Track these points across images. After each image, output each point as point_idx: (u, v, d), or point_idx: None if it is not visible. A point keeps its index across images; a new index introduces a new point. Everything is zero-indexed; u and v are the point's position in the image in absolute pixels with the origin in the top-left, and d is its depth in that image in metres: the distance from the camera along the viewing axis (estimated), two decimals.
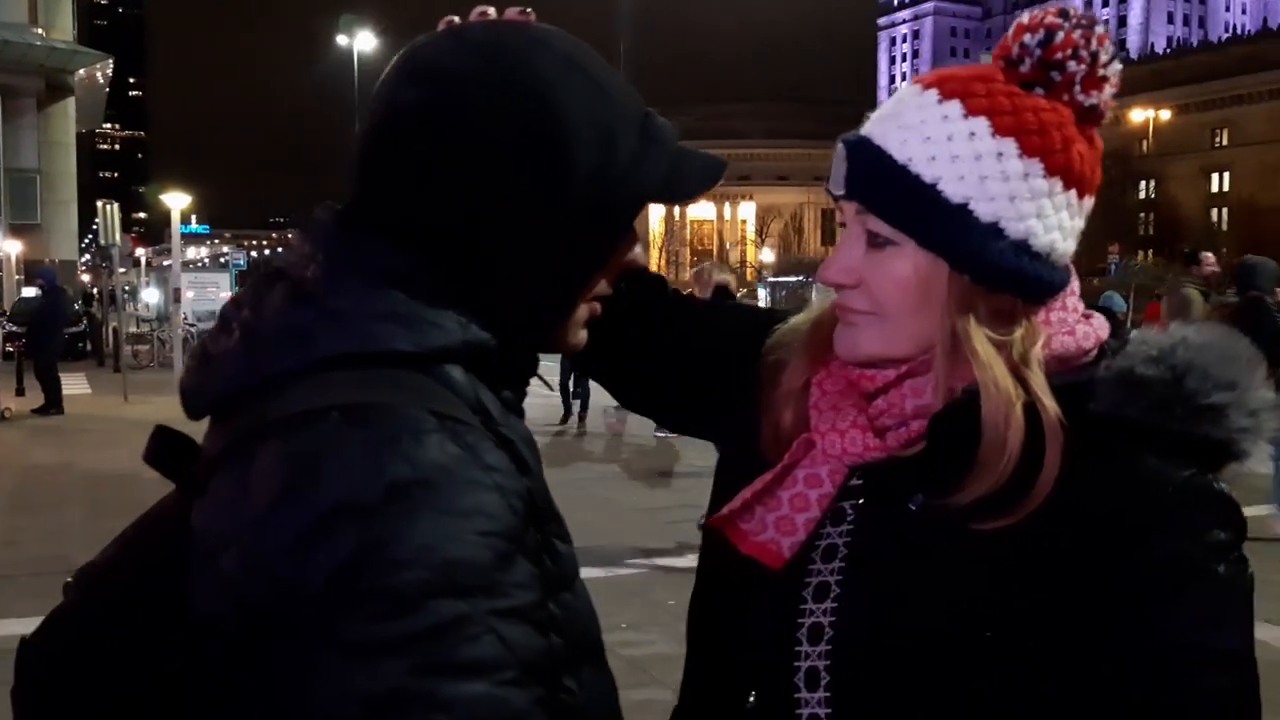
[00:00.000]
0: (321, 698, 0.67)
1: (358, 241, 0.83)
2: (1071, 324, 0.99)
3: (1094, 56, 0.96)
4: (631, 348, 1.21)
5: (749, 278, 75.52)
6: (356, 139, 0.87)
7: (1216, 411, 0.92)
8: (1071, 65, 0.95)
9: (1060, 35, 0.95)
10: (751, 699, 1.01)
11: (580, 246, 0.87)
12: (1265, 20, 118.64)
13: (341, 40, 36.80)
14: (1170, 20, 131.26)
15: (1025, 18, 0.98)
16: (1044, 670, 0.91)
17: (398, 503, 0.69)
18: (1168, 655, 0.89)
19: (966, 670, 0.91)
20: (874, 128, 1.00)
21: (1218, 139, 77.54)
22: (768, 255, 77.09)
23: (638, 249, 0.95)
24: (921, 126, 0.96)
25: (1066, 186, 0.96)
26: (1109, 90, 0.97)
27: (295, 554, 0.69)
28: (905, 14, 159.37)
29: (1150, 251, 63.42)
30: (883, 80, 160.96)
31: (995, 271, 0.94)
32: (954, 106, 0.95)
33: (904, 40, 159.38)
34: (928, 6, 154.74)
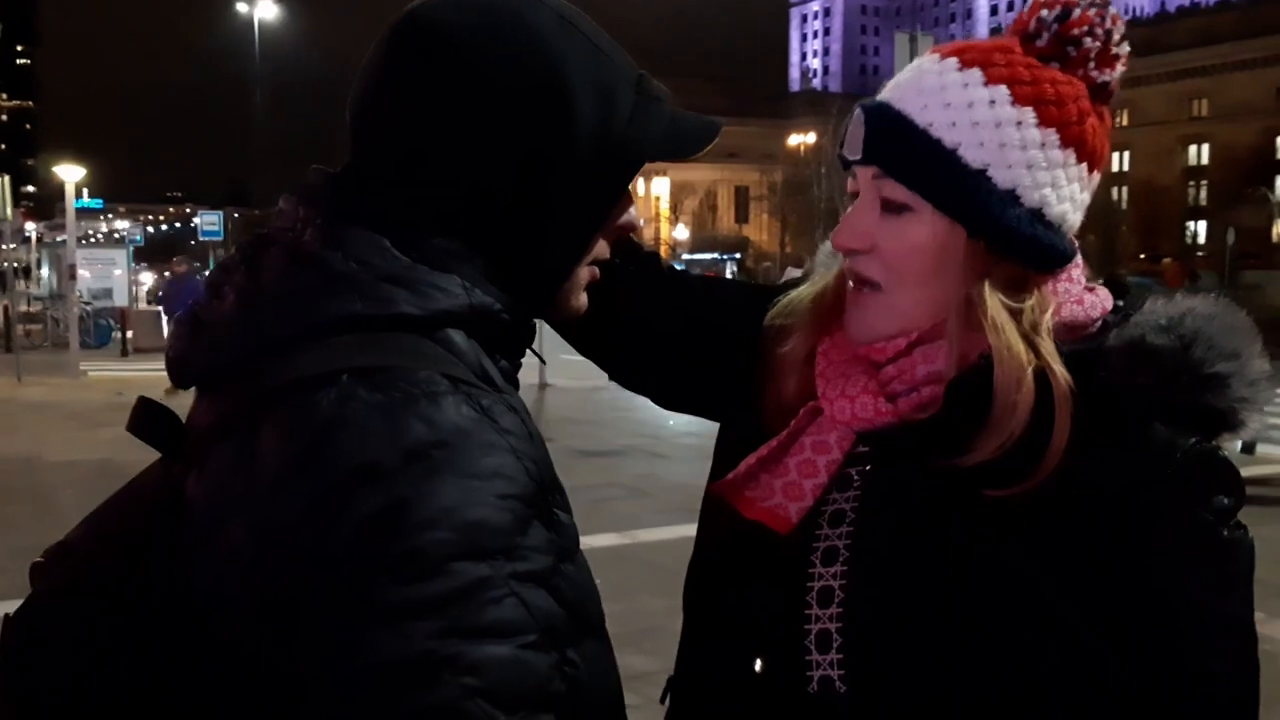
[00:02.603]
0: (349, 663, 0.66)
1: (358, 204, 0.82)
2: (1078, 294, 1.02)
3: (1108, 35, 0.98)
4: (627, 325, 1.16)
5: (664, 255, 75.38)
6: (351, 104, 0.86)
7: (1220, 381, 0.94)
8: (1087, 41, 0.98)
9: (1077, 12, 0.98)
10: (758, 664, 1.03)
11: (584, 203, 0.86)
12: (1163, 4, 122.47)
13: (242, 8, 35.58)
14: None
15: None
16: (1051, 631, 0.92)
17: (418, 465, 0.68)
18: (1181, 618, 0.92)
19: (976, 630, 0.93)
20: (891, 94, 1.02)
21: (1118, 120, 79.50)
22: (682, 232, 77.16)
23: (633, 210, 0.94)
24: (942, 93, 0.97)
25: (1079, 159, 0.98)
26: (1120, 69, 1.00)
27: (315, 519, 0.67)
28: None
29: None
30: (794, 58, 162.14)
31: (1011, 238, 0.96)
32: (975, 74, 0.97)
33: (815, 18, 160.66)
34: None
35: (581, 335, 1.18)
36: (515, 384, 0.87)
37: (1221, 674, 0.92)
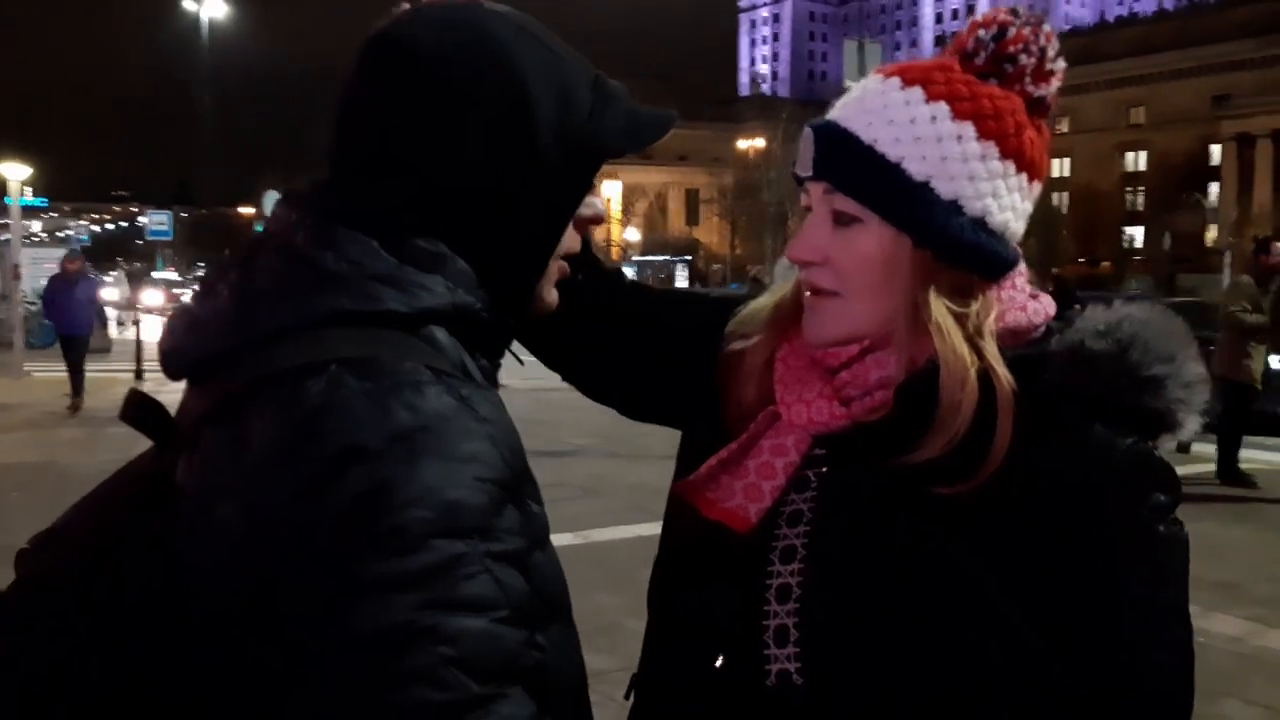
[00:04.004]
0: (335, 632, 0.69)
1: (348, 210, 0.87)
2: (1022, 301, 1.05)
3: (1043, 51, 1.04)
4: (594, 340, 1.23)
5: (615, 257, 75.45)
6: (334, 118, 0.91)
7: (1157, 383, 0.99)
8: (1023, 58, 1.03)
9: (1012, 31, 1.04)
10: (719, 661, 1.04)
11: (552, 200, 0.92)
12: (1103, 13, 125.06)
13: (190, 6, 35.11)
14: (1015, 12, 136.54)
15: (980, 16, 1.07)
16: (994, 630, 0.95)
17: (402, 447, 0.72)
18: (1121, 612, 0.95)
19: (922, 627, 0.96)
20: (839, 113, 1.06)
21: (1058, 126, 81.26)
22: (633, 234, 77.37)
23: (597, 201, 1.00)
24: (885, 111, 1.02)
25: (1019, 170, 1.03)
26: (1055, 84, 1.04)
27: (305, 497, 0.71)
28: None
29: None
30: (744, 63, 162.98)
31: (956, 246, 1.00)
32: (916, 92, 1.02)
33: (764, 24, 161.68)
34: None
35: (550, 350, 1.27)
36: (494, 383, 0.92)
37: (1161, 663, 0.96)
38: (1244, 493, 8.24)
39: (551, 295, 0.98)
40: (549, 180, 0.90)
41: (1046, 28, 1.05)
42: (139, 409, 0.85)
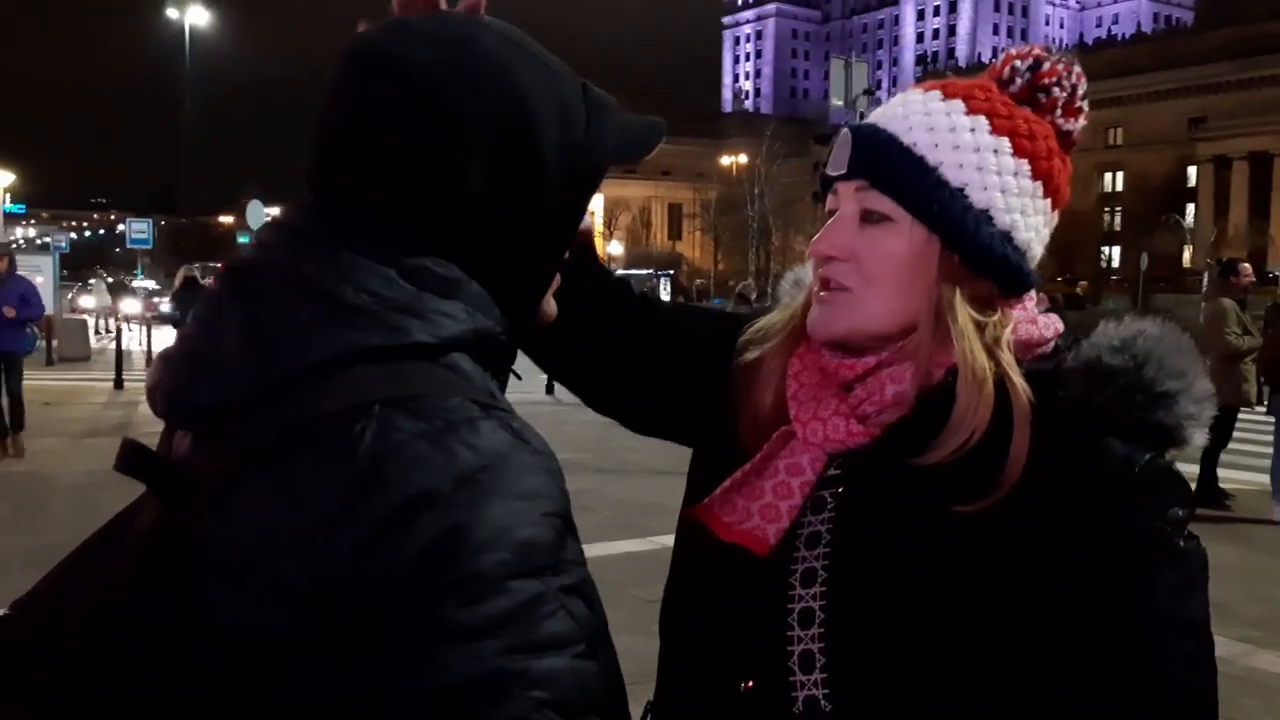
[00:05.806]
0: (422, 686, 0.68)
1: (353, 237, 0.82)
2: (1033, 315, 1.07)
3: (1074, 88, 1.08)
4: (601, 353, 1.23)
5: None
6: (319, 139, 0.86)
7: (1169, 398, 1.00)
8: (1056, 90, 1.08)
9: (1047, 64, 1.08)
10: (744, 685, 1.04)
11: (557, 216, 0.90)
12: (1081, 36, 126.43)
13: (172, 13, 34.95)
14: (995, 32, 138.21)
15: (1013, 50, 1.11)
16: (1017, 645, 0.96)
17: (469, 489, 0.71)
18: (1142, 624, 0.96)
19: (948, 647, 0.96)
20: (878, 118, 1.09)
21: None
22: (616, 248, 77.41)
23: (588, 217, 1.01)
24: (927, 118, 1.05)
25: (1046, 194, 1.07)
26: (1082, 121, 1.09)
27: (375, 550, 0.69)
28: (749, 14, 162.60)
29: None
30: (727, 79, 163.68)
31: (984, 254, 1.03)
32: (957, 104, 1.06)
33: (747, 40, 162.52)
34: (770, 8, 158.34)
35: (556, 360, 1.27)
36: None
37: (1185, 676, 0.97)
38: (1227, 513, 8.28)
39: (551, 306, 0.97)
40: (553, 196, 0.88)
41: (1078, 68, 1.09)
42: (135, 459, 0.78)
